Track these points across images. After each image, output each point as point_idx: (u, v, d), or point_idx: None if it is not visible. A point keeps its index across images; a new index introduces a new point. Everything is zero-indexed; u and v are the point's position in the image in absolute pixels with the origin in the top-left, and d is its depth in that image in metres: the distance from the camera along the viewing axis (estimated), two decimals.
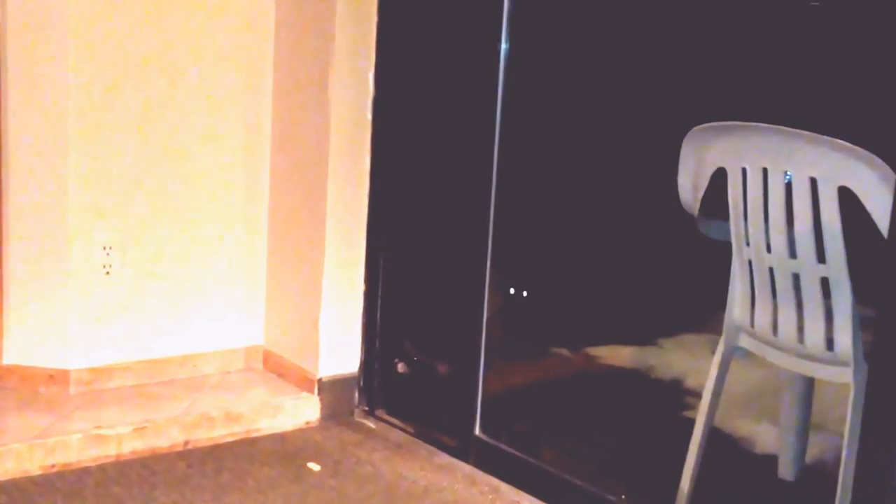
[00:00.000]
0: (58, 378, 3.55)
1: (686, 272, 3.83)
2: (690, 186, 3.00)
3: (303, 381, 3.72)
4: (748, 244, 2.88)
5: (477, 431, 3.48)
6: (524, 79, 3.44)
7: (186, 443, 3.43)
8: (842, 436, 2.76)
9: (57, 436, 3.25)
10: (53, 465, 3.22)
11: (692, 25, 3.90)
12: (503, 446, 3.43)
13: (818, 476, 3.29)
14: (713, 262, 3.09)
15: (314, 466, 3.35)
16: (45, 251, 3.49)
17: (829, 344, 2.78)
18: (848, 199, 2.63)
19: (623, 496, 3.14)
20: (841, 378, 2.78)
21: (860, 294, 2.71)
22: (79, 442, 3.26)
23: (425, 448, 3.53)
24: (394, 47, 3.59)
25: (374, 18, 3.58)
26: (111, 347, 3.62)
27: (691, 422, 3.09)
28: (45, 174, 3.46)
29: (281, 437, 3.56)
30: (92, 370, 3.59)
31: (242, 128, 3.74)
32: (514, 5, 3.33)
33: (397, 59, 3.59)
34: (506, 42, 3.35)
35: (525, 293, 3.60)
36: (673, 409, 3.69)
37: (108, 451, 3.30)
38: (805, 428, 3.28)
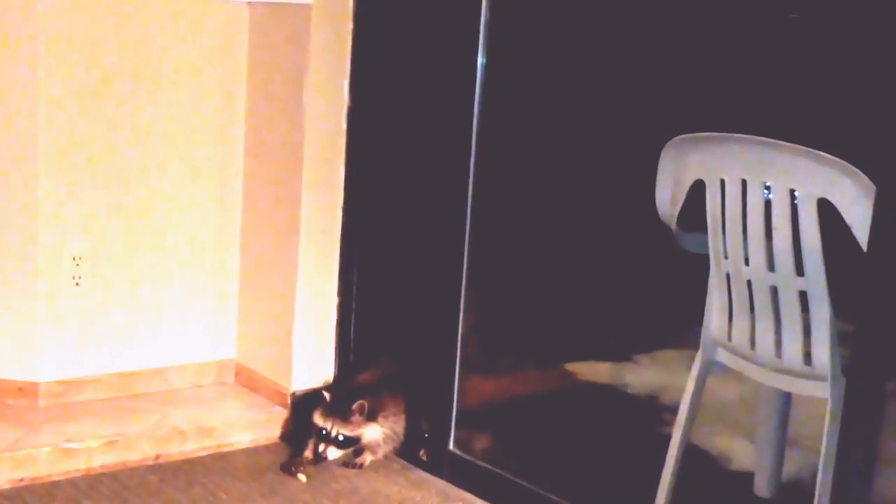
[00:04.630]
0: (27, 391, 3.50)
1: (663, 286, 3.82)
2: (668, 199, 2.99)
3: (275, 395, 3.68)
4: (726, 257, 2.88)
5: (451, 446, 3.45)
6: (500, 93, 3.43)
7: (158, 457, 3.39)
8: (819, 452, 2.75)
9: (26, 449, 3.20)
10: (22, 479, 3.17)
11: (670, 37, 3.89)
12: (477, 461, 3.41)
13: (795, 493, 3.28)
14: (690, 275, 3.07)
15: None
16: (14, 262, 3.45)
17: (807, 358, 2.77)
18: (827, 212, 2.62)
19: None
20: (818, 393, 2.77)
21: (838, 308, 2.70)
22: (48, 455, 3.22)
23: (399, 463, 3.50)
24: (369, 57, 3.57)
25: (350, 28, 3.56)
26: (81, 360, 3.57)
27: (667, 437, 3.07)
28: (15, 184, 3.41)
29: (253, 452, 3.52)
30: (61, 383, 3.54)
31: (215, 138, 3.71)
32: (492, 18, 3.32)
33: (373, 69, 3.57)
34: (483, 56, 3.34)
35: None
36: (649, 424, 3.67)
37: (77, 465, 3.26)
38: (782, 444, 3.27)
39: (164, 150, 3.62)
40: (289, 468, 3.34)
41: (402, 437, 3.47)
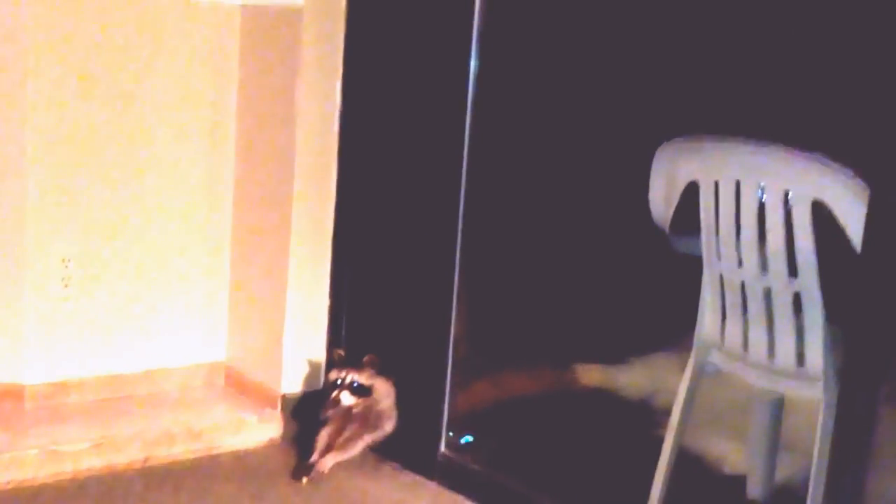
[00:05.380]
0: (13, 393, 3.47)
1: (656, 289, 3.81)
2: (662, 201, 2.98)
3: (265, 398, 3.66)
4: (719, 259, 2.87)
5: (442, 449, 3.44)
6: (493, 97, 3.42)
7: (146, 460, 3.37)
8: (811, 455, 2.74)
9: (12, 452, 3.18)
10: (9, 483, 3.14)
11: (664, 41, 3.89)
12: (469, 464, 3.40)
13: (788, 496, 3.26)
14: (684, 278, 3.07)
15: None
16: (1, 263, 3.42)
17: (800, 360, 2.76)
18: (821, 214, 2.61)
19: None
20: (812, 395, 2.76)
21: (832, 310, 2.69)
22: (35, 458, 3.20)
23: (390, 466, 3.48)
24: (362, 60, 3.55)
25: (342, 30, 3.54)
26: (69, 362, 3.55)
27: (660, 440, 3.06)
28: (3, 184, 3.39)
29: (242, 455, 3.51)
30: (49, 385, 3.51)
31: (206, 140, 3.69)
32: (485, 22, 3.31)
33: (365, 72, 3.56)
34: (476, 60, 3.33)
35: None
36: (642, 427, 3.66)
37: (64, 468, 3.24)
38: (774, 447, 3.26)
39: (153, 152, 3.60)
40: (298, 475, 3.33)
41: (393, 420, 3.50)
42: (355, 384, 3.39)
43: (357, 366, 3.42)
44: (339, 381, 3.40)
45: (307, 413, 3.58)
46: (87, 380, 3.58)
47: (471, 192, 3.37)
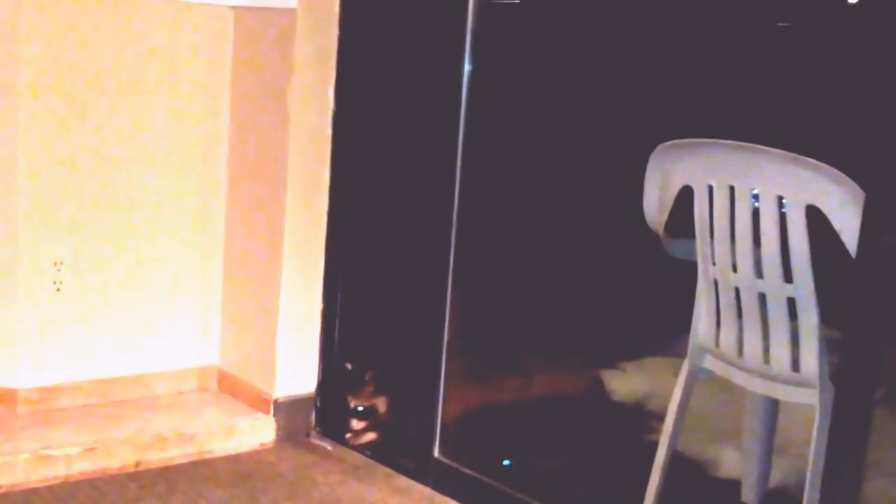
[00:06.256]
0: (5, 397, 3.46)
1: (650, 293, 3.80)
2: (656, 205, 2.98)
3: (258, 402, 3.65)
4: (714, 264, 2.86)
5: (436, 453, 3.43)
6: (487, 100, 3.41)
7: (138, 464, 3.35)
8: (806, 459, 2.73)
9: (3, 456, 3.17)
10: (0, 487, 3.13)
11: (658, 45, 3.89)
12: (462, 468, 3.38)
13: (782, 500, 3.26)
14: (678, 282, 3.06)
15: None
16: None
17: (795, 365, 2.75)
18: (816, 218, 2.60)
19: None
20: (806, 400, 2.75)
21: (827, 315, 2.69)
22: (26, 463, 3.18)
23: (383, 470, 3.48)
24: (355, 62, 3.55)
25: (336, 33, 3.54)
26: (61, 366, 3.53)
27: (654, 445, 3.05)
28: None
29: (235, 459, 3.49)
30: (40, 389, 3.50)
31: (199, 142, 3.68)
32: (478, 25, 3.30)
33: (359, 75, 3.55)
34: (469, 63, 3.32)
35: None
36: (635, 432, 3.66)
37: (56, 472, 3.22)
38: (769, 451, 3.25)
39: (146, 154, 3.59)
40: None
41: None
42: (360, 408, 3.52)
43: (356, 390, 3.55)
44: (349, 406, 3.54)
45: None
46: (79, 384, 3.57)
47: (465, 195, 3.36)
